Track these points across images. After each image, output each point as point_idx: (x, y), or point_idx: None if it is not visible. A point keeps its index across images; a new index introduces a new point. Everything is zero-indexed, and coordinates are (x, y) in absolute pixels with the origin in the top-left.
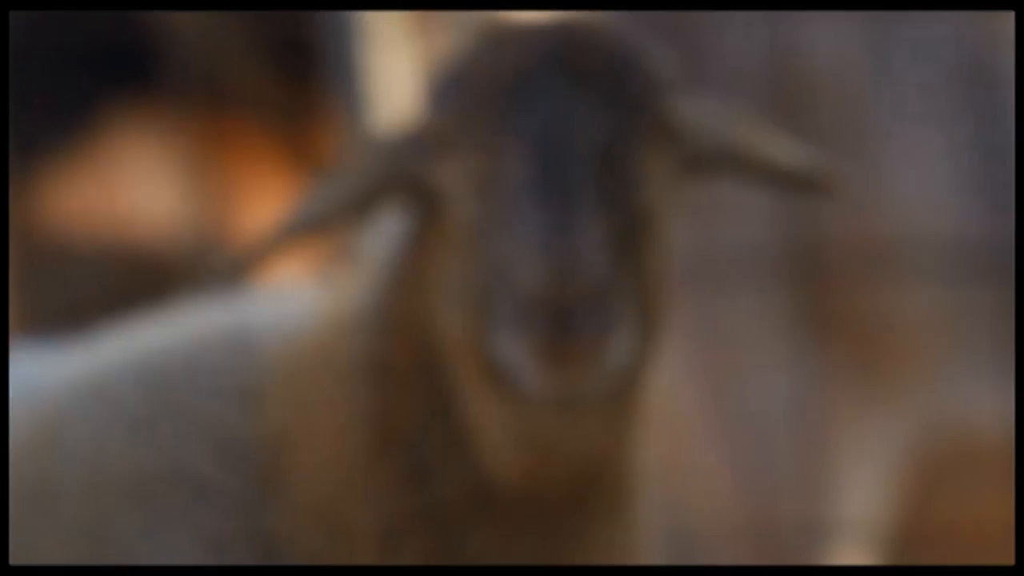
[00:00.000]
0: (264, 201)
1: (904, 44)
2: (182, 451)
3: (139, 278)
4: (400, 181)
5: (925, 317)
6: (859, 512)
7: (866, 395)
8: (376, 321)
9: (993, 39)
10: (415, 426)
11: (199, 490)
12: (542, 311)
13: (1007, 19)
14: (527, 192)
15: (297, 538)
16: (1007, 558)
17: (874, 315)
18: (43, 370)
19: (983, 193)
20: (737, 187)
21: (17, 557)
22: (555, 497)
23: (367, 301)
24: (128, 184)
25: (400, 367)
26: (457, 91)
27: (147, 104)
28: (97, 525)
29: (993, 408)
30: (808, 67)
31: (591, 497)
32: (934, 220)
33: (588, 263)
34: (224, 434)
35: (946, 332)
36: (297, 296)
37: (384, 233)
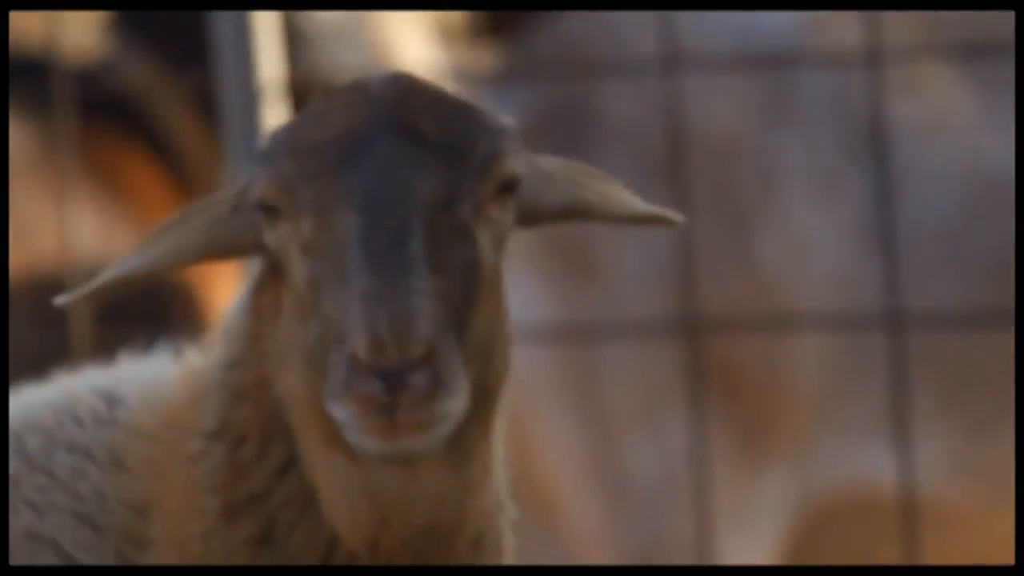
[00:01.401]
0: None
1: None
2: (44, 512)
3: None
4: (230, 245)
5: (811, 368)
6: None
7: (751, 454)
8: (228, 383)
9: (881, 87)
10: (265, 489)
11: (62, 554)
12: (371, 371)
13: (896, 69)
14: (355, 251)
15: None
16: None
17: (757, 368)
18: None
19: (872, 240)
20: (614, 249)
21: None
22: (400, 552)
23: (220, 361)
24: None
25: (250, 429)
26: (287, 153)
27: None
28: None
29: (883, 464)
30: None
31: (435, 550)
32: (821, 263)
33: (416, 322)
34: (86, 492)
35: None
36: (166, 358)
37: (242, 291)
